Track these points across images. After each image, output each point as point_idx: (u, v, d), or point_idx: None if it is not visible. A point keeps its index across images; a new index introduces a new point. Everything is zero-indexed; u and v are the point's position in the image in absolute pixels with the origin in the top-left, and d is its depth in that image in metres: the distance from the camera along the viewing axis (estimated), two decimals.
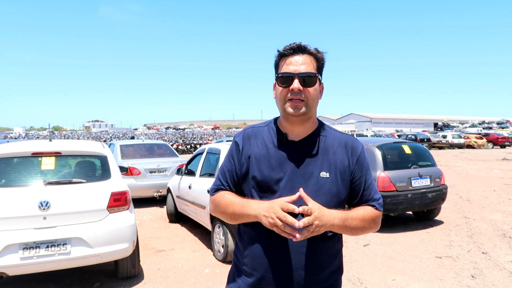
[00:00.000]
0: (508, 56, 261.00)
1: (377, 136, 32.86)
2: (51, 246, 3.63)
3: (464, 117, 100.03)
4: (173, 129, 78.01)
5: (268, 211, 1.38)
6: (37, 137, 38.16)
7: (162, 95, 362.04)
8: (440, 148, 33.83)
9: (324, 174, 1.50)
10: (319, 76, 1.53)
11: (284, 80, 1.48)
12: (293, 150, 1.53)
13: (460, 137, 35.30)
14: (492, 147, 34.86)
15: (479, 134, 38.61)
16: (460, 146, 34.07)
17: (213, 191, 1.67)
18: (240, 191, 1.60)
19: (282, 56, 1.52)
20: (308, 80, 1.47)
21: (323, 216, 1.36)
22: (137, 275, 4.58)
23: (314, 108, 1.54)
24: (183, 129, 74.38)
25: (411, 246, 5.75)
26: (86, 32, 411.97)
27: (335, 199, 1.50)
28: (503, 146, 35.09)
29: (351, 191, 1.58)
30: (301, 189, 1.40)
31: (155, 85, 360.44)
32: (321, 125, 1.62)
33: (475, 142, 34.38)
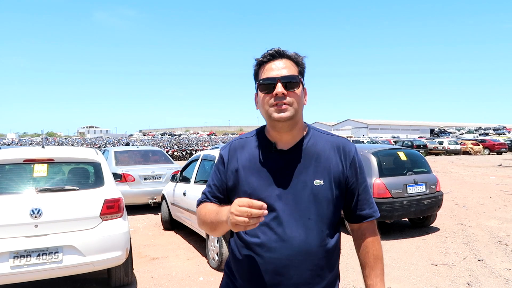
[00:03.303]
0: (504, 62, 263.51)
1: (373, 142, 32.93)
2: (43, 255, 3.58)
3: (461, 123, 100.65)
4: (168, 135, 77.99)
5: (229, 210, 1.29)
6: (31, 143, 37.97)
7: (158, 101, 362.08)
8: (437, 154, 33.95)
9: (318, 182, 1.44)
10: (302, 80, 1.48)
11: (266, 86, 1.43)
12: (283, 160, 1.48)
13: (457, 143, 35.45)
14: (489, 154, 35.02)
15: (476, 140, 38.79)
16: (456, 153, 34.20)
17: (197, 204, 1.63)
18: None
19: (261, 64, 1.48)
20: (291, 83, 1.42)
21: None
22: (130, 284, 4.53)
23: (300, 113, 1.48)
24: (179, 135, 74.36)
25: (407, 253, 5.72)
26: (80, 38, 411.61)
27: (332, 206, 1.46)
28: (499, 153, 35.26)
29: (346, 196, 1.53)
30: None
31: (150, 91, 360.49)
32: (309, 129, 1.56)
33: (471, 148, 34.53)
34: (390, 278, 4.74)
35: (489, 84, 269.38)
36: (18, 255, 3.50)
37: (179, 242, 6.53)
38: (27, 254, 3.53)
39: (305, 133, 1.53)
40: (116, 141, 41.36)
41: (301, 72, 1.48)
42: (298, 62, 1.48)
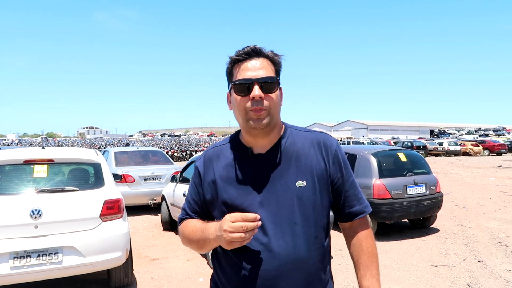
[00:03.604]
0: (504, 63, 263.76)
1: (373, 143, 32.94)
2: (43, 255, 3.58)
3: (460, 124, 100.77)
4: (168, 136, 78.01)
5: (221, 228, 1.24)
6: (31, 144, 38.04)
7: (158, 102, 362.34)
8: (436, 155, 33.95)
9: (300, 183, 1.35)
10: (279, 80, 1.39)
11: (242, 87, 1.32)
12: (261, 164, 1.39)
13: (456, 144, 35.44)
14: (488, 154, 35.02)
15: (475, 141, 38.79)
16: (456, 153, 34.20)
17: (179, 221, 1.55)
18: (212, 219, 1.46)
19: (236, 62, 1.37)
20: (268, 85, 1.32)
21: None
22: (130, 284, 4.52)
23: (277, 115, 1.38)
24: (179, 136, 74.42)
25: (407, 254, 5.72)
26: (80, 38, 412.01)
27: (318, 207, 1.37)
28: (499, 154, 35.25)
29: (333, 194, 1.43)
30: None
31: (150, 92, 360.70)
32: (286, 128, 1.46)
33: (471, 149, 34.52)
34: (390, 279, 4.74)
35: (489, 85, 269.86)
36: (18, 255, 3.50)
37: (179, 243, 6.53)
38: (27, 254, 3.53)
39: (282, 133, 1.44)
40: (116, 142, 41.39)
41: (278, 72, 1.40)
42: (275, 61, 1.39)
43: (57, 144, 39.47)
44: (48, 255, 3.59)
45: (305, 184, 1.35)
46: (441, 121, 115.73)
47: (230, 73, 1.40)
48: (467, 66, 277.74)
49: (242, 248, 1.31)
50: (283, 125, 1.47)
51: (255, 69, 1.33)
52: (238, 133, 1.50)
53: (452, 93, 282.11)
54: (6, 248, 3.47)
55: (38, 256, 3.56)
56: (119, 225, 4.01)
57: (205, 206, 1.47)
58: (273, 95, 1.33)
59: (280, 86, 1.42)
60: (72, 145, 38.75)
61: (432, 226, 7.33)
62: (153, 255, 5.83)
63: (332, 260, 5.44)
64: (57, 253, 3.62)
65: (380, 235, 6.63)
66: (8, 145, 31.94)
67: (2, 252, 3.44)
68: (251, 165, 1.39)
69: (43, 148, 4.58)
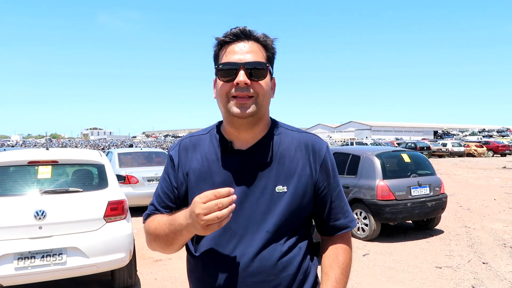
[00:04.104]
0: (508, 64, 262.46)
1: (376, 144, 32.88)
2: (47, 256, 3.59)
3: (464, 125, 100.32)
4: (172, 137, 78.13)
5: (191, 214, 1.07)
6: (35, 145, 38.24)
7: (161, 103, 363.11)
8: (440, 156, 33.82)
9: (280, 189, 1.21)
10: (270, 68, 1.24)
11: (226, 72, 1.18)
12: (240, 162, 1.24)
13: (460, 145, 35.32)
14: (492, 156, 34.86)
15: (479, 142, 38.64)
16: (460, 155, 34.06)
17: (144, 218, 1.35)
18: None
19: (223, 44, 1.22)
20: (256, 71, 1.18)
21: None
22: (134, 285, 4.53)
23: (266, 107, 1.24)
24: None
25: (411, 255, 5.70)
26: (84, 41, 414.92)
27: (296, 217, 1.23)
28: (503, 155, 35.10)
29: (316, 204, 1.29)
30: None
31: (154, 93, 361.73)
32: (274, 125, 1.32)
33: (475, 150, 34.38)
34: (393, 280, 4.72)
35: (492, 86, 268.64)
36: (22, 256, 3.51)
37: None
38: (31, 255, 3.54)
39: (268, 129, 1.30)
40: (119, 143, 41.53)
41: (270, 59, 1.25)
42: (267, 46, 1.24)
43: (61, 145, 39.66)
44: (52, 256, 3.60)
45: (285, 190, 1.22)
46: (445, 122, 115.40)
47: (216, 57, 1.26)
48: (471, 67, 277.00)
49: (208, 254, 1.21)
50: (271, 121, 1.33)
51: (242, 52, 1.19)
52: (220, 123, 1.35)
53: (456, 94, 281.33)
54: (11, 249, 3.48)
55: (42, 257, 3.57)
56: (123, 226, 4.02)
57: (179, 200, 1.31)
58: (262, 82, 1.19)
59: (273, 76, 1.29)
60: (76, 146, 38.90)
61: (436, 227, 7.30)
62: (156, 256, 5.84)
63: None
64: (61, 254, 3.63)
65: (384, 237, 6.61)
66: (12, 146, 32.10)
67: (6, 253, 3.46)
68: (229, 161, 1.25)
69: (47, 149, 4.59)
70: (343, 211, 1.32)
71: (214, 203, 1.03)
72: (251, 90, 1.18)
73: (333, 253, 1.29)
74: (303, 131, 1.34)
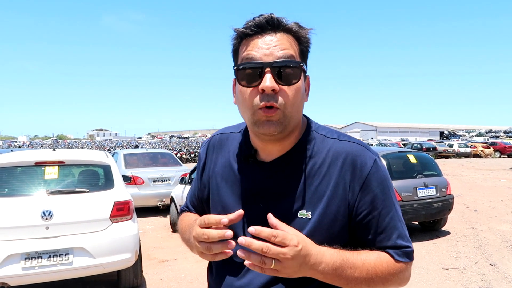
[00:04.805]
0: None
1: (382, 145, 32.74)
2: (53, 256, 3.61)
3: (471, 126, 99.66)
4: (177, 138, 78.28)
5: (191, 233, 0.98)
6: (41, 146, 38.51)
7: (167, 104, 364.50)
8: (446, 157, 33.61)
9: (303, 214, 0.98)
10: (304, 66, 0.99)
11: (248, 75, 0.94)
12: (261, 176, 1.03)
13: (467, 146, 35.08)
14: (499, 156, 34.58)
15: (486, 143, 38.36)
16: (466, 155, 33.82)
17: (179, 213, 1.30)
18: None
19: (243, 37, 0.98)
20: (287, 73, 0.93)
21: (306, 250, 0.88)
22: (140, 286, 4.54)
23: (296, 118, 0.99)
24: (187, 138, 74.72)
25: (417, 257, 5.66)
26: (89, 42, 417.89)
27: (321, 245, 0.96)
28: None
29: (354, 235, 1.01)
30: (270, 215, 0.91)
31: (159, 94, 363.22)
32: (307, 132, 1.05)
33: (481, 151, 34.14)
34: None
35: (500, 86, 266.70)
36: (29, 256, 3.53)
37: None
38: (38, 255, 3.56)
39: (299, 138, 1.05)
40: (125, 144, 41.72)
41: (304, 54, 1.01)
42: (300, 37, 0.99)
43: (67, 146, 39.92)
44: (59, 256, 3.62)
45: (310, 216, 0.98)
46: (451, 123, 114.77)
47: (236, 53, 1.02)
48: (478, 67, 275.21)
49: (220, 278, 1.07)
50: (307, 125, 1.08)
51: (269, 47, 0.94)
52: None
53: (462, 95, 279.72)
54: (18, 249, 3.50)
55: (49, 257, 3.59)
56: (128, 226, 4.04)
57: (201, 202, 1.20)
58: (293, 87, 0.94)
59: (307, 74, 1.05)
60: (82, 147, 39.13)
61: (443, 228, 7.25)
62: (162, 257, 5.85)
63: None
64: (68, 254, 3.65)
65: None
66: (20, 147, 32.33)
67: (13, 253, 3.48)
68: (249, 174, 1.06)
69: (54, 150, 4.62)
70: (392, 245, 1.00)
71: (201, 232, 0.91)
72: (279, 98, 0.93)
73: (372, 252, 1.00)
74: (347, 138, 1.05)
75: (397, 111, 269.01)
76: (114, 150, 21.65)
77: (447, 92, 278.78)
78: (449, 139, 55.73)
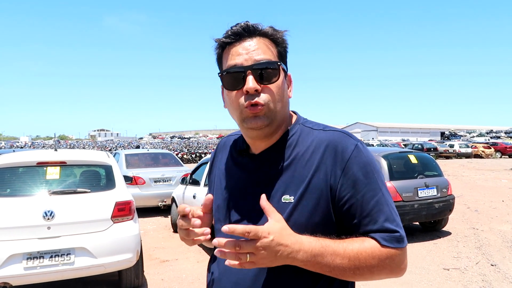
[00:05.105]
0: None
1: (383, 146, 32.72)
2: (55, 256, 3.62)
3: (472, 126, 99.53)
4: (178, 138, 78.28)
5: None
6: (43, 146, 38.56)
7: (168, 105, 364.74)
8: (447, 157, 33.57)
9: (286, 198, 1.02)
10: (282, 65, 1.07)
11: (233, 79, 1.03)
12: (251, 167, 1.12)
13: (468, 146, 35.02)
14: (500, 157, 34.53)
15: (487, 143, 38.34)
16: (467, 156, 33.78)
17: None
18: None
19: (224, 46, 1.07)
20: (267, 73, 1.02)
21: (279, 241, 0.90)
22: (141, 286, 4.55)
23: (282, 112, 1.07)
24: (188, 138, 74.73)
25: (418, 257, 5.67)
26: (91, 42, 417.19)
27: (308, 233, 0.97)
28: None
29: (341, 219, 1.03)
30: (263, 197, 0.97)
31: (160, 95, 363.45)
32: (294, 125, 1.13)
33: (482, 151, 34.10)
34: (400, 282, 4.70)
35: (500, 87, 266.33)
36: (31, 256, 3.55)
37: None
38: (40, 255, 3.58)
39: (285, 131, 1.12)
40: (126, 144, 41.76)
41: (281, 54, 1.09)
42: (276, 40, 1.08)
43: (69, 147, 39.97)
44: (61, 256, 3.63)
45: (292, 201, 1.02)
46: (452, 123, 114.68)
47: (220, 61, 1.11)
48: (479, 68, 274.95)
49: (215, 262, 1.17)
50: (295, 119, 1.16)
51: (248, 52, 1.03)
52: None
53: (463, 95, 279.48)
54: (20, 249, 3.52)
55: (51, 257, 3.60)
56: (130, 226, 4.05)
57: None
58: (274, 85, 1.03)
59: (288, 72, 1.13)
60: (84, 147, 39.19)
61: (444, 229, 7.25)
62: (163, 257, 5.86)
63: None
64: (69, 254, 3.66)
65: None
66: (21, 148, 32.39)
67: (15, 253, 3.50)
68: (243, 165, 1.15)
69: (55, 150, 4.64)
70: (378, 229, 0.99)
71: (180, 222, 1.05)
72: (262, 95, 1.02)
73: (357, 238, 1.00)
74: (332, 128, 1.10)
75: (398, 112, 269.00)
76: (115, 150, 21.68)
77: (448, 93, 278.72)
78: (450, 140, 55.73)
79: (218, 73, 1.09)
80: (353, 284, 1.13)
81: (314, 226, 1.00)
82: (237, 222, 1.08)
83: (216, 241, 0.89)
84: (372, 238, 0.99)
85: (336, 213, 1.02)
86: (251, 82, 1.00)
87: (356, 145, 1.04)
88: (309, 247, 0.93)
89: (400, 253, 1.00)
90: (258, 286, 1.03)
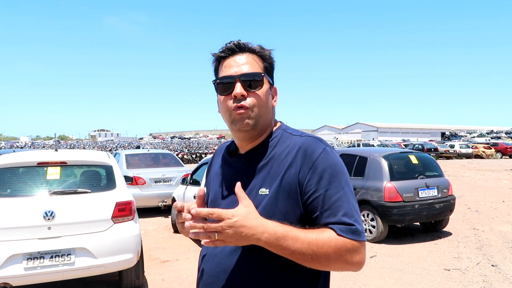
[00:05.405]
0: None
1: (383, 146, 32.69)
2: (55, 257, 3.62)
3: (472, 126, 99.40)
4: (178, 138, 78.18)
5: None
6: (43, 146, 38.56)
7: (168, 105, 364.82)
8: (448, 158, 33.56)
9: (263, 191, 1.19)
10: (268, 78, 1.27)
11: (224, 86, 1.23)
12: (238, 165, 1.31)
13: (468, 146, 35.01)
14: (501, 157, 34.52)
15: (488, 143, 38.30)
16: (468, 156, 33.77)
17: None
18: None
19: (220, 59, 1.29)
20: (253, 82, 1.21)
21: (242, 222, 1.04)
22: (141, 286, 4.55)
23: (266, 117, 1.26)
24: (189, 139, 74.65)
25: (419, 258, 5.66)
26: (92, 43, 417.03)
27: (277, 221, 1.12)
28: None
29: (306, 211, 1.17)
30: (238, 184, 1.13)
31: (161, 95, 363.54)
32: (276, 130, 1.31)
33: (483, 152, 34.08)
34: (401, 283, 4.69)
35: (501, 87, 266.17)
36: (31, 256, 3.54)
37: (190, 245, 6.55)
38: (40, 256, 3.57)
39: (268, 135, 1.30)
40: (126, 144, 41.76)
41: (267, 69, 1.28)
42: (263, 56, 1.28)
43: (69, 147, 39.96)
44: (61, 256, 3.63)
45: (267, 193, 1.19)
46: (453, 124, 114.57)
47: (216, 71, 1.31)
48: (479, 68, 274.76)
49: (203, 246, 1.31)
50: (278, 126, 1.34)
51: (238, 65, 1.24)
52: None
53: (463, 95, 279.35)
54: (20, 249, 3.51)
55: (51, 257, 3.60)
56: (130, 227, 4.04)
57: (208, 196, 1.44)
58: (258, 93, 1.22)
59: (274, 85, 1.32)
60: (84, 148, 39.21)
61: (444, 229, 7.24)
62: (163, 257, 5.86)
63: None
64: (70, 254, 3.66)
65: (391, 239, 6.58)
66: (22, 148, 32.42)
67: (16, 253, 3.49)
68: (232, 165, 1.34)
69: (56, 150, 4.64)
70: (336, 221, 1.12)
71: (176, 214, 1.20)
72: (248, 100, 1.21)
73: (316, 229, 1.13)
74: (307, 135, 1.26)
75: (398, 112, 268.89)
76: (115, 150, 21.68)
77: (448, 93, 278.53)
78: (450, 140, 55.67)
79: (213, 81, 1.28)
80: (326, 280, 1.25)
81: (284, 215, 1.15)
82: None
83: (187, 223, 1.05)
84: (331, 228, 1.11)
85: (303, 206, 1.17)
86: (238, 88, 1.20)
87: (325, 148, 1.20)
88: (273, 230, 1.07)
89: (356, 245, 1.11)
90: (237, 267, 1.19)
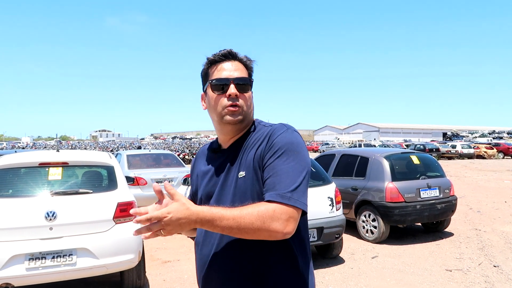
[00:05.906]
0: None
1: (385, 146, 32.66)
2: (57, 257, 3.62)
3: (474, 126, 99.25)
4: (179, 138, 78.29)
5: None
6: (45, 147, 38.64)
7: (169, 105, 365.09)
8: (449, 158, 33.51)
9: (241, 174, 1.38)
10: (252, 82, 1.49)
11: (219, 86, 1.41)
12: (221, 158, 1.49)
13: (470, 147, 34.93)
14: (503, 157, 34.47)
15: (489, 144, 38.22)
16: (469, 156, 33.70)
17: None
18: None
19: (213, 63, 1.47)
20: (243, 86, 1.42)
21: (177, 215, 1.17)
22: (143, 287, 4.55)
23: (250, 116, 1.47)
24: (190, 139, 74.75)
25: (421, 258, 5.65)
26: (93, 43, 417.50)
27: (256, 200, 1.32)
28: None
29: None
30: (166, 183, 1.27)
31: (162, 95, 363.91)
32: (252, 126, 1.50)
33: (485, 152, 34.01)
34: (403, 283, 4.69)
35: (503, 87, 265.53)
36: (33, 257, 3.55)
37: (191, 245, 6.55)
38: (42, 256, 3.58)
39: (246, 130, 1.49)
40: (128, 145, 41.81)
41: (250, 76, 1.49)
42: (247, 65, 1.49)
43: (70, 147, 40.07)
44: (63, 257, 3.63)
45: (244, 175, 1.37)
46: (454, 124, 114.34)
47: (206, 74, 1.49)
48: (481, 68, 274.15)
49: (198, 234, 1.53)
50: (254, 122, 1.52)
51: (230, 70, 1.43)
52: None
53: (465, 96, 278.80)
54: (22, 249, 3.52)
55: (53, 257, 3.61)
56: (132, 227, 4.04)
57: (194, 195, 1.61)
58: (246, 95, 1.43)
59: (251, 90, 1.51)
60: (85, 148, 39.25)
61: (446, 230, 7.23)
62: (165, 258, 5.86)
63: (344, 264, 5.41)
64: (71, 254, 3.66)
65: (393, 239, 6.57)
66: (23, 148, 32.48)
67: (17, 254, 3.50)
68: (216, 160, 1.50)
69: (57, 151, 4.64)
70: (274, 189, 1.27)
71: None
72: (240, 100, 1.40)
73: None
74: (276, 124, 1.46)
75: (400, 112, 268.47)
76: (117, 151, 21.71)
77: (450, 93, 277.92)
78: (452, 140, 55.54)
79: (209, 81, 1.45)
80: (305, 265, 1.41)
81: (257, 194, 1.34)
82: (208, 202, 1.44)
83: (135, 232, 1.22)
84: (266, 200, 1.27)
85: (263, 182, 1.35)
86: (233, 89, 1.40)
87: (287, 129, 1.39)
88: (202, 215, 1.20)
89: (281, 208, 1.24)
90: (224, 244, 1.38)
